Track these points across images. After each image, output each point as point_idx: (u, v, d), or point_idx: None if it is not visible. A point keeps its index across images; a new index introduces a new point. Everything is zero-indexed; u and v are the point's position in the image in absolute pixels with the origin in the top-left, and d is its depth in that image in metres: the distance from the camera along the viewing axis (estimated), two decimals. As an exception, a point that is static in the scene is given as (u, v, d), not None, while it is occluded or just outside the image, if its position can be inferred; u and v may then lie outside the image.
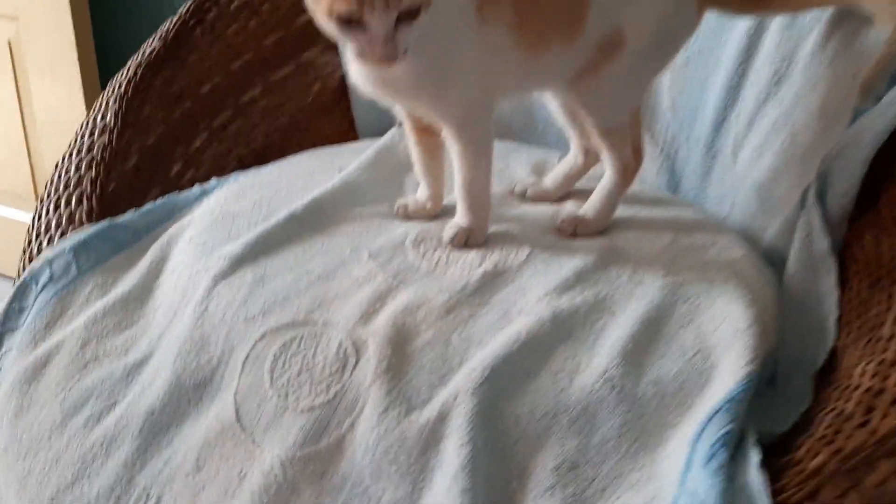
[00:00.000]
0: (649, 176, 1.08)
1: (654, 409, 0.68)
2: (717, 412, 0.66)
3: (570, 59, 0.83)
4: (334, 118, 1.21)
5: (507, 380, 0.69)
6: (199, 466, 0.69)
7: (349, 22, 0.70)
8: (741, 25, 0.99)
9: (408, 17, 0.70)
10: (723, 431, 0.63)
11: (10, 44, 1.72)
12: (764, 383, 0.77)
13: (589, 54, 0.83)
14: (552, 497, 0.63)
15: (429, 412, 0.68)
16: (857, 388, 0.67)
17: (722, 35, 1.01)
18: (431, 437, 0.67)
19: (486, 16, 0.78)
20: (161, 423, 0.73)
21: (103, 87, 1.77)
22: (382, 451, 0.66)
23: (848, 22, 0.90)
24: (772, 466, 0.63)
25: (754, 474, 0.60)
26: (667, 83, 1.06)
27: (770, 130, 0.96)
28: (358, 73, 0.81)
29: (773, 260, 0.91)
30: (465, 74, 0.80)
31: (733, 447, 0.63)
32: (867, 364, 0.67)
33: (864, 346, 0.70)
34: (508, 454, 0.66)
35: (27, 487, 0.75)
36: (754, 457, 0.62)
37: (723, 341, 0.74)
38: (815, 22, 0.93)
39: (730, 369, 0.70)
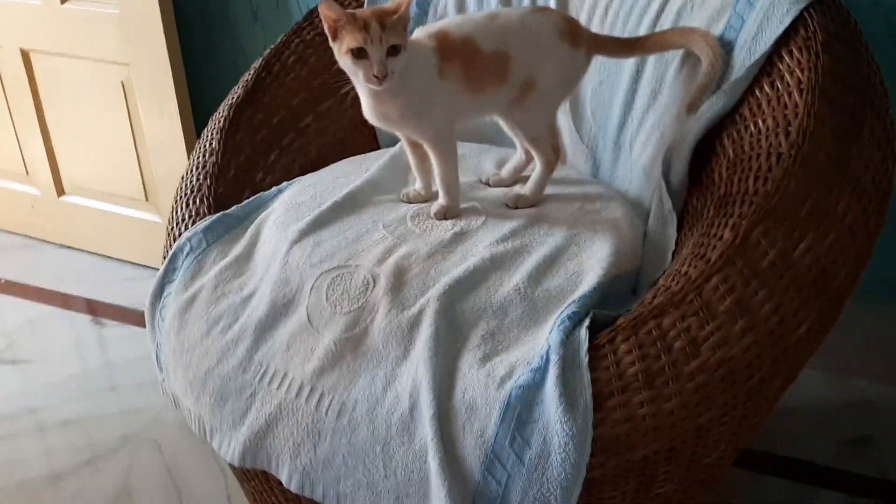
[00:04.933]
0: (579, 165, 1.56)
1: (542, 305, 1.17)
2: (572, 303, 1.14)
3: (502, 96, 1.32)
4: (363, 134, 1.67)
5: (459, 291, 1.18)
6: (289, 347, 1.20)
7: (358, 55, 1.18)
8: (631, 60, 1.46)
9: (393, 51, 1.19)
10: (570, 311, 1.11)
11: (123, 84, 2.24)
12: (629, 292, 1.26)
13: (513, 93, 1.31)
14: (478, 350, 1.11)
15: (413, 310, 1.16)
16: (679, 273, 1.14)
17: (620, 66, 1.48)
18: (415, 323, 1.15)
19: (444, 73, 1.27)
20: (266, 327, 1.23)
21: (195, 117, 2.34)
22: (388, 331, 1.15)
23: (692, 57, 1.37)
24: (599, 330, 1.10)
25: (582, 331, 1.07)
26: (588, 97, 1.53)
27: (650, 130, 1.43)
28: (367, 109, 1.31)
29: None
30: (433, 109, 1.29)
31: (577, 320, 1.11)
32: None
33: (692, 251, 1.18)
34: (456, 330, 1.14)
35: (189, 370, 1.27)
36: (586, 322, 1.09)
37: (591, 266, 1.22)
38: (674, 56, 1.40)
39: (588, 282, 1.19)
